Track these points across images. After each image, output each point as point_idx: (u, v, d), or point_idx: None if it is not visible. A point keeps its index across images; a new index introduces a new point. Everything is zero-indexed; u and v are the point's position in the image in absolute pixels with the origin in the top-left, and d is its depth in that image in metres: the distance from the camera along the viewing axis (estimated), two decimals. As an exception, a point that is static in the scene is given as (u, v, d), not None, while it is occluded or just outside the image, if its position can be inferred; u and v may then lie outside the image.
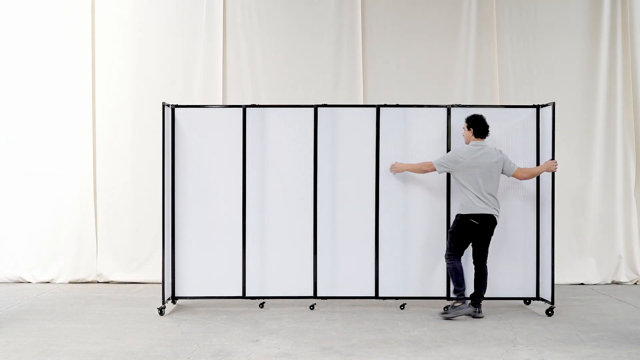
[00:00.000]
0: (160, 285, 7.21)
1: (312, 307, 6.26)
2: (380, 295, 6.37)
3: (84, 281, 7.77)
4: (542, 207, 6.33)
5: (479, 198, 5.87)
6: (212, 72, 7.79)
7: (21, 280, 7.78)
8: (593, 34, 7.85)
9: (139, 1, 7.86)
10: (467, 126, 6.00)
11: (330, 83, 7.83)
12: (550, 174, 6.14)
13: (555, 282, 7.57)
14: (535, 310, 6.27)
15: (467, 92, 7.82)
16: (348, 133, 6.36)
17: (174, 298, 6.33)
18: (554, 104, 6.14)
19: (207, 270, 6.34)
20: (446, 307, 6.04)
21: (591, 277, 7.70)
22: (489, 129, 6.00)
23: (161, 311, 5.98)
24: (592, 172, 7.79)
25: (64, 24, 7.81)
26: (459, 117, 6.23)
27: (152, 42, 7.84)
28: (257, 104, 6.86)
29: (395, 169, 6.26)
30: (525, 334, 5.32)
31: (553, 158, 6.10)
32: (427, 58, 7.88)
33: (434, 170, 6.04)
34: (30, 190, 7.78)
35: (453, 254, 5.97)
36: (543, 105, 6.34)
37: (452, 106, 6.34)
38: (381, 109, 6.36)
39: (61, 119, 7.79)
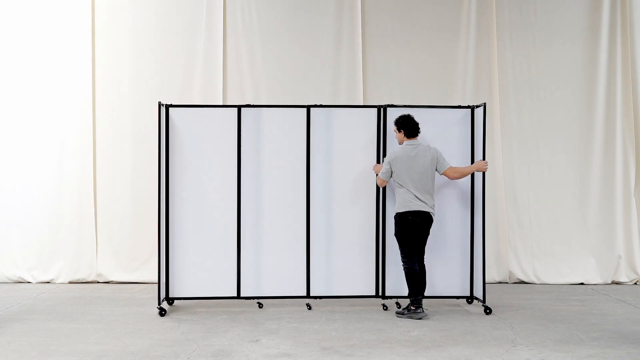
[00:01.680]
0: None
1: (309, 307, 6.26)
2: (380, 294, 6.38)
3: (84, 281, 7.77)
4: (476, 206, 6.36)
5: (415, 196, 5.91)
6: (212, 72, 7.79)
7: (21, 280, 7.78)
8: (593, 34, 7.84)
9: (138, 1, 7.86)
10: (397, 128, 6.05)
11: (330, 83, 7.83)
12: (481, 173, 6.20)
13: (554, 282, 7.66)
14: (473, 309, 6.31)
15: (467, 92, 7.82)
16: (343, 133, 6.37)
17: (169, 299, 6.32)
18: (484, 105, 6.17)
19: (202, 270, 6.33)
20: (398, 305, 6.10)
21: (591, 277, 7.70)
22: (419, 127, 6.04)
23: (162, 312, 5.98)
24: (592, 172, 7.79)
25: (64, 23, 7.81)
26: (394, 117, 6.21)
27: (152, 42, 7.83)
28: (254, 104, 6.86)
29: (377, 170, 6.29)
30: (525, 334, 5.32)
31: (484, 158, 6.14)
32: (427, 58, 7.88)
33: (385, 182, 6.07)
34: (30, 191, 7.78)
35: (406, 256, 5.98)
36: (477, 106, 6.36)
37: (388, 106, 6.34)
38: (389, 109, 6.37)
39: (61, 119, 7.79)
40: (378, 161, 6.35)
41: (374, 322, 5.76)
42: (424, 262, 6.07)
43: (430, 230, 6.07)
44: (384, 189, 6.33)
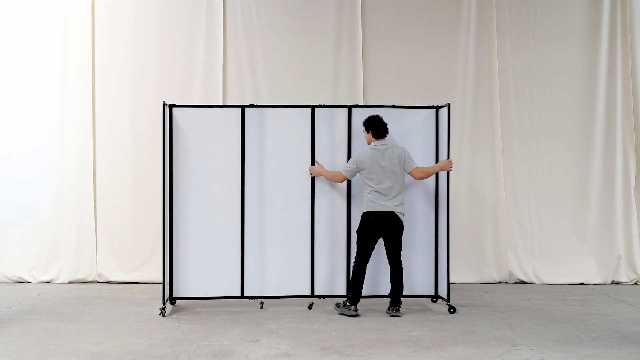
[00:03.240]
0: (161, 286, 7.26)
1: (310, 306, 6.26)
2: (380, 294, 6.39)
3: (84, 281, 7.77)
4: (440, 206, 6.37)
5: (382, 195, 5.94)
6: (212, 72, 7.79)
7: (21, 280, 7.78)
8: (593, 34, 7.84)
9: (139, 1, 7.85)
10: (366, 129, 6.08)
11: (330, 83, 7.83)
12: (446, 173, 6.22)
13: (554, 282, 7.66)
14: (437, 308, 6.34)
15: (467, 92, 7.82)
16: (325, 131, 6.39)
17: (172, 299, 6.32)
18: (449, 105, 6.18)
19: (206, 270, 6.33)
20: (338, 304, 6.10)
21: (591, 277, 7.70)
22: (388, 128, 6.07)
23: (162, 312, 5.98)
24: (592, 172, 7.79)
25: (64, 23, 7.80)
26: (360, 117, 6.24)
27: (152, 41, 7.83)
28: (256, 103, 6.86)
29: (313, 172, 6.27)
30: (525, 334, 5.32)
31: (448, 157, 6.15)
32: (428, 58, 7.87)
33: (345, 178, 6.10)
34: (30, 191, 7.77)
35: (358, 254, 6.04)
36: (441, 106, 6.36)
37: (353, 106, 6.34)
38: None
39: (61, 119, 7.78)
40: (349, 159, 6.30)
41: (374, 322, 5.76)
42: (401, 262, 6.07)
43: (403, 229, 6.08)
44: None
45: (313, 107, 6.37)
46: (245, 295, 6.35)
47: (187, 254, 6.31)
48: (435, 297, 6.49)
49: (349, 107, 6.37)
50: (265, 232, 6.35)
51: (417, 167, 6.06)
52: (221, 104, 7.61)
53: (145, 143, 7.71)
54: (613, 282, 7.72)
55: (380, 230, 5.99)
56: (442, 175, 6.37)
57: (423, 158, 6.39)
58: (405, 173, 6.08)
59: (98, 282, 7.79)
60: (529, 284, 7.69)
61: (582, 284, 7.68)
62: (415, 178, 6.12)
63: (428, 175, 6.13)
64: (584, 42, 7.86)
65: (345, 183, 6.35)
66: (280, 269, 6.37)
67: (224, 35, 7.84)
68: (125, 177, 7.76)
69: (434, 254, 6.46)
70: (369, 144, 6.12)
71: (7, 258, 7.78)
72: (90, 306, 6.47)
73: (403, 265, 6.15)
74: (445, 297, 6.21)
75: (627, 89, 7.81)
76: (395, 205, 5.97)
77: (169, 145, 6.25)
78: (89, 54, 7.79)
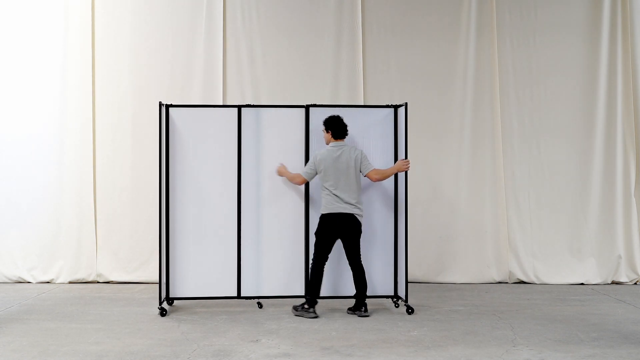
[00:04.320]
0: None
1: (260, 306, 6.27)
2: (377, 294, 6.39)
3: (84, 281, 7.77)
4: (400, 206, 6.35)
5: (338, 197, 5.92)
6: (212, 72, 7.79)
7: (21, 280, 7.78)
8: (593, 34, 7.84)
9: (138, 1, 7.85)
10: (325, 128, 6.06)
11: (330, 83, 7.83)
12: (404, 173, 6.20)
13: (554, 282, 7.66)
14: (398, 308, 6.34)
15: (467, 92, 7.82)
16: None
17: (169, 299, 6.32)
18: (406, 104, 6.18)
19: (203, 270, 6.33)
20: (295, 307, 6.05)
21: (591, 277, 7.70)
22: (348, 129, 6.05)
23: (162, 312, 5.98)
24: (592, 172, 7.78)
25: (64, 23, 7.80)
26: (318, 117, 6.22)
27: (151, 41, 7.83)
28: (256, 103, 6.86)
29: (278, 172, 6.26)
30: (525, 334, 5.32)
31: (406, 157, 6.15)
32: (428, 57, 7.88)
33: (305, 181, 6.08)
34: (30, 191, 7.77)
35: (315, 256, 6.03)
36: (399, 106, 6.34)
37: (310, 106, 6.33)
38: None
39: (61, 119, 7.78)
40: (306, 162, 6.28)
41: (374, 322, 5.76)
42: (362, 263, 6.06)
43: (362, 229, 6.06)
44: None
45: (307, 107, 6.34)
46: (242, 295, 6.35)
47: (184, 253, 6.32)
48: (395, 298, 6.43)
49: (307, 107, 6.31)
50: (262, 232, 6.35)
51: (374, 169, 6.03)
52: (221, 103, 7.61)
53: (145, 143, 7.71)
54: (613, 282, 7.72)
55: (338, 232, 5.97)
56: (402, 176, 6.31)
57: (382, 158, 6.35)
58: (362, 175, 6.04)
59: (98, 282, 7.78)
60: (529, 284, 7.69)
61: (582, 284, 7.68)
62: (372, 180, 6.07)
63: (385, 177, 6.09)
64: (584, 42, 7.85)
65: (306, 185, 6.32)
66: (276, 269, 6.38)
67: (224, 35, 7.84)
68: (125, 178, 7.76)
69: (393, 255, 6.42)
70: (327, 144, 6.09)
71: (7, 258, 7.78)
72: (90, 306, 6.47)
73: (365, 266, 6.14)
74: (404, 298, 6.20)
75: (628, 89, 7.81)
76: (353, 207, 5.94)
77: (165, 145, 6.25)
78: (89, 53, 7.79)
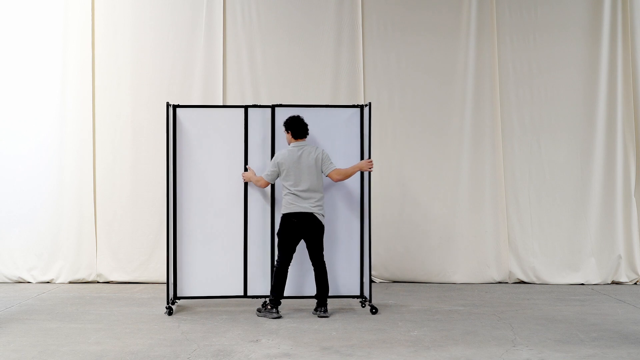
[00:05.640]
0: (162, 285, 7.27)
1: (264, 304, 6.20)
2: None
3: (84, 281, 7.77)
4: (365, 206, 6.32)
5: (299, 197, 5.90)
6: (212, 72, 7.79)
7: (21, 280, 7.78)
8: (594, 34, 7.83)
9: (138, 1, 7.85)
10: (285, 129, 6.05)
11: (330, 82, 7.83)
12: (368, 173, 6.17)
13: (554, 282, 7.66)
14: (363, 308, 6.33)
15: (468, 91, 7.82)
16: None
17: (176, 298, 6.31)
18: (370, 104, 6.18)
19: (209, 269, 6.32)
20: (259, 308, 6.03)
21: (591, 277, 7.69)
22: (308, 129, 6.04)
23: (170, 311, 5.98)
24: (592, 172, 7.78)
25: (64, 23, 7.80)
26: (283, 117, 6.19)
27: (151, 41, 7.83)
28: (257, 104, 6.86)
29: (244, 177, 6.23)
30: (526, 334, 5.31)
31: (370, 157, 6.12)
32: (428, 57, 7.88)
33: (268, 183, 6.06)
34: (30, 191, 7.77)
35: (279, 257, 6.00)
36: (365, 105, 6.33)
37: (276, 106, 6.32)
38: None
39: (60, 119, 7.78)
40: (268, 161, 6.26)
41: (374, 322, 5.76)
42: (324, 263, 6.04)
43: (324, 230, 6.04)
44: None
45: (273, 107, 6.30)
46: (249, 294, 6.34)
47: (191, 253, 6.31)
48: (360, 297, 6.39)
49: (273, 107, 6.29)
50: (268, 230, 6.33)
51: (336, 169, 6.00)
52: (221, 103, 7.62)
53: (145, 143, 7.71)
54: (613, 282, 7.72)
55: (300, 232, 5.94)
56: (367, 175, 6.26)
57: (346, 158, 6.31)
58: (324, 175, 6.02)
59: (98, 282, 7.79)
60: (529, 284, 7.69)
61: (582, 284, 7.68)
62: (333, 180, 6.03)
63: (347, 177, 6.05)
64: (584, 40, 7.84)
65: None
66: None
67: (224, 35, 7.84)
68: (125, 178, 7.77)
69: (359, 255, 6.38)
70: (289, 144, 6.08)
71: (7, 258, 7.78)
72: (90, 306, 6.47)
73: (328, 266, 6.13)
74: (367, 297, 6.19)
75: (628, 88, 7.80)
76: (313, 207, 5.92)
77: (172, 145, 6.25)
78: (89, 53, 7.79)
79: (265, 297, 6.32)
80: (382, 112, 7.81)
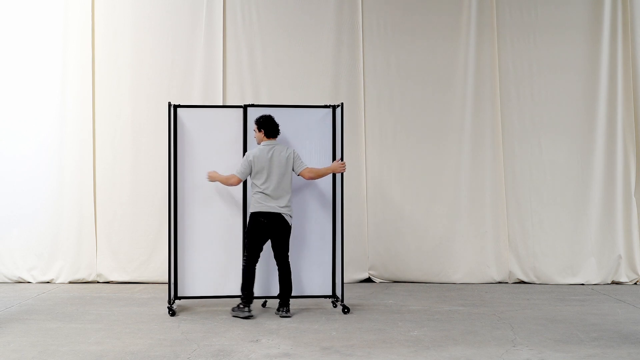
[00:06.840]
0: (162, 285, 7.29)
1: (263, 304, 6.24)
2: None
3: (84, 281, 7.77)
4: (337, 207, 6.32)
5: (268, 196, 5.89)
6: (212, 72, 7.79)
7: (21, 280, 7.78)
8: (594, 33, 7.83)
9: (138, 1, 7.85)
10: (257, 128, 6.02)
11: (330, 83, 7.83)
12: (340, 174, 6.16)
13: (554, 282, 7.65)
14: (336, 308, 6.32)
15: (468, 92, 7.81)
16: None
17: (177, 298, 6.31)
18: (342, 105, 6.18)
19: (210, 269, 6.33)
20: (233, 308, 6.01)
21: (591, 277, 7.69)
22: (280, 128, 6.03)
23: (172, 312, 5.98)
24: (592, 172, 7.78)
25: (64, 23, 7.80)
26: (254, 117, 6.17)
27: (151, 41, 7.83)
28: (257, 103, 6.86)
29: (209, 178, 6.16)
30: (525, 334, 5.31)
31: (342, 158, 6.11)
32: (428, 57, 7.87)
33: (240, 181, 6.02)
34: (30, 191, 7.77)
35: (246, 255, 5.99)
36: (337, 106, 6.33)
37: (248, 106, 6.30)
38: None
39: (60, 119, 7.78)
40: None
41: (374, 322, 5.76)
42: (289, 263, 6.03)
43: (292, 230, 6.03)
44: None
45: (245, 107, 6.30)
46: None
47: (192, 253, 6.32)
48: (332, 297, 6.39)
49: (245, 107, 6.28)
50: None
51: (307, 167, 5.99)
52: (221, 103, 7.62)
53: (145, 143, 7.71)
54: (613, 282, 7.72)
55: (268, 231, 5.93)
56: (338, 178, 6.26)
57: (319, 158, 6.31)
58: (296, 174, 6.01)
59: (98, 282, 7.79)
60: (529, 284, 7.69)
61: (582, 284, 7.68)
62: (305, 178, 6.01)
63: (319, 176, 6.06)
64: (585, 41, 7.84)
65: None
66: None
67: (224, 35, 7.84)
68: (125, 178, 7.77)
69: (331, 255, 6.38)
70: (258, 143, 6.05)
71: (7, 258, 7.78)
72: (90, 306, 6.47)
73: (301, 266, 6.11)
74: (340, 297, 6.19)
75: (628, 88, 7.80)
76: (281, 207, 5.91)
77: (173, 145, 6.25)
78: (89, 53, 7.79)
79: (265, 297, 6.32)
80: (382, 112, 7.82)
